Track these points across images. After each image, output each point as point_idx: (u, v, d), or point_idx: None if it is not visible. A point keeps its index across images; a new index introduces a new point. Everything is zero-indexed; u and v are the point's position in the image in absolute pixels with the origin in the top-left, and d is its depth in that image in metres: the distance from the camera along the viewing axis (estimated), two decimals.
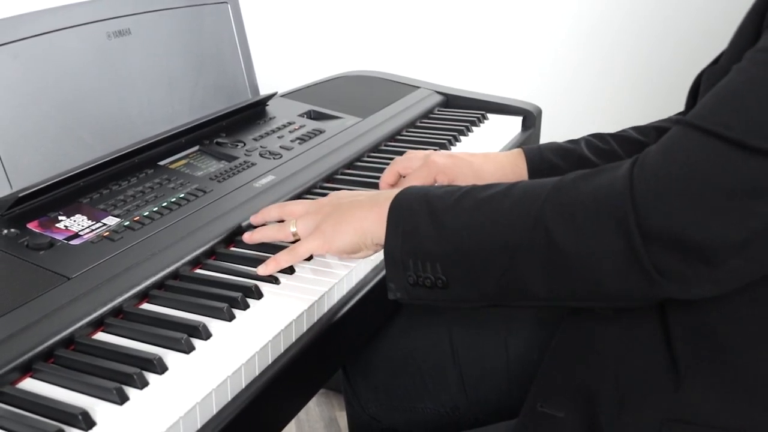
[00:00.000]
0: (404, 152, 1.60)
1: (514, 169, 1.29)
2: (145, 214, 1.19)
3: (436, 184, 1.27)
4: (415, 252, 0.95)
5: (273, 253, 1.12)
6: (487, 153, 1.34)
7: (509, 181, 1.27)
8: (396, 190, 1.03)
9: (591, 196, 0.84)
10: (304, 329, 1.02)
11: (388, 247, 0.97)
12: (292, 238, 1.12)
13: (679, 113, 1.28)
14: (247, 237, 1.16)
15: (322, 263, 1.14)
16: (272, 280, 1.08)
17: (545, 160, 1.29)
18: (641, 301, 0.89)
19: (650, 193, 0.80)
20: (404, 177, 1.33)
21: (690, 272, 0.80)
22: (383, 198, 1.04)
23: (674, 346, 0.90)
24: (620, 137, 1.31)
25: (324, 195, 1.36)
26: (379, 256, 1.04)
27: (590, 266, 0.85)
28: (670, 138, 0.83)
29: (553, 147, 1.32)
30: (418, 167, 1.30)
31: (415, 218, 0.96)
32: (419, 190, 1.00)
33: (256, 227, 1.19)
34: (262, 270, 1.09)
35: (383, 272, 1.12)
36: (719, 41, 0.92)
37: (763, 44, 0.80)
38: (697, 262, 0.80)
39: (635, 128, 1.32)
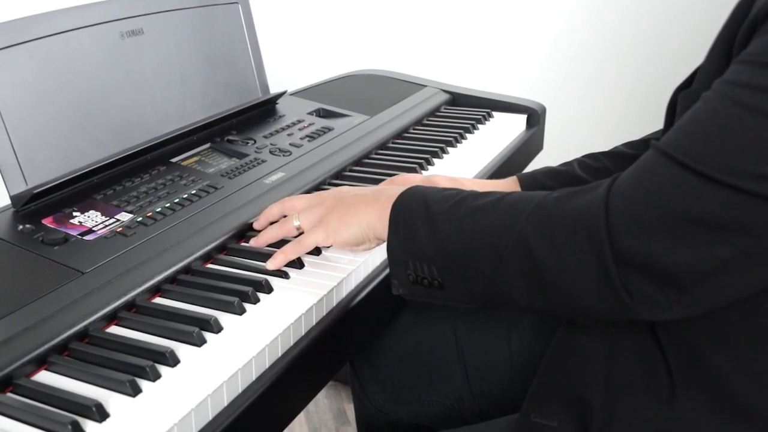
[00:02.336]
0: (411, 149, 1.61)
1: None
2: (158, 210, 1.19)
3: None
4: (413, 253, 0.96)
5: (281, 247, 1.12)
6: (483, 181, 1.37)
7: None
8: (399, 188, 1.04)
9: (570, 215, 0.86)
10: (314, 323, 1.02)
11: (390, 245, 0.99)
12: (296, 232, 1.13)
13: (660, 130, 1.28)
14: (254, 242, 1.16)
15: (331, 258, 1.14)
16: (282, 274, 1.08)
17: (538, 183, 1.30)
18: (614, 319, 0.91)
19: (623, 217, 0.81)
20: None
21: (659, 296, 0.82)
22: (386, 195, 1.05)
23: (667, 360, 0.91)
24: (612, 154, 1.32)
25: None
26: (385, 252, 1.04)
27: (566, 283, 0.86)
28: (644, 163, 0.84)
29: (546, 171, 1.33)
30: None
31: (414, 220, 0.97)
32: (420, 191, 1.01)
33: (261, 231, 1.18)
34: (270, 264, 1.09)
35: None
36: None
37: (730, 76, 0.81)
38: (666, 286, 0.81)
39: (627, 144, 1.33)
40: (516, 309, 0.97)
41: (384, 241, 1.03)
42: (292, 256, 1.10)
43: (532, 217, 0.88)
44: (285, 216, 1.17)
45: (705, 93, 0.83)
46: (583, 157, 1.33)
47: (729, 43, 0.87)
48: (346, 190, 1.14)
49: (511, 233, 0.88)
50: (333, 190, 1.17)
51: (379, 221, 1.05)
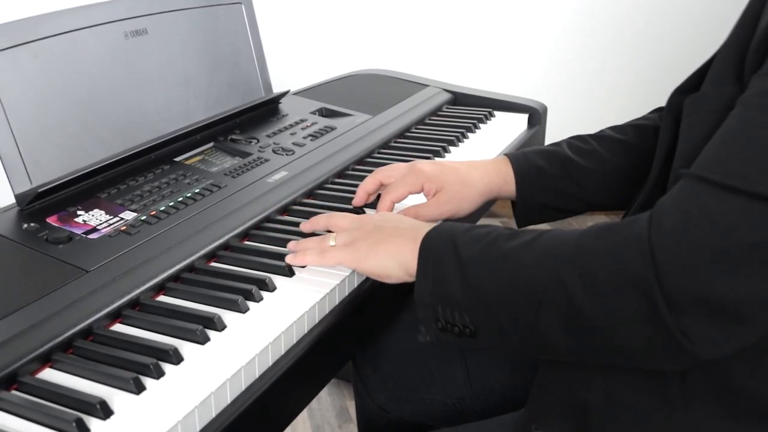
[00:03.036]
0: (413, 148, 1.61)
1: (499, 175, 1.28)
2: (162, 208, 1.19)
3: (424, 191, 1.26)
4: (443, 300, 0.92)
5: (285, 248, 1.12)
6: (472, 161, 1.32)
7: (496, 186, 1.28)
8: (432, 224, 1.01)
9: (610, 259, 0.80)
10: (316, 321, 1.02)
11: (418, 291, 0.95)
12: (329, 250, 1.09)
13: (643, 116, 1.28)
14: (292, 246, 1.13)
15: None
16: (286, 273, 1.08)
17: (531, 163, 1.28)
18: (670, 366, 0.85)
19: (672, 258, 0.75)
20: (385, 185, 1.29)
21: (719, 333, 0.76)
22: (423, 232, 0.99)
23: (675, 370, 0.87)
24: (599, 137, 1.31)
25: (335, 190, 1.36)
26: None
27: (613, 330, 0.81)
28: (684, 195, 0.78)
29: (537, 150, 1.31)
30: (404, 175, 1.26)
31: (444, 266, 0.93)
32: (448, 231, 0.97)
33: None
34: (290, 259, 1.08)
35: None
36: (720, 41, 0.91)
37: (757, 90, 0.78)
38: (726, 321, 0.75)
39: (612, 128, 1.32)
40: (558, 357, 0.91)
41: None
42: (310, 264, 1.09)
43: (569, 260, 0.83)
44: (329, 231, 1.14)
45: (732, 111, 0.79)
46: (570, 138, 1.32)
47: (741, 51, 0.84)
48: (389, 218, 1.10)
49: (548, 277, 0.83)
50: (378, 215, 1.13)
51: (413, 259, 0.98)
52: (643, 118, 1.30)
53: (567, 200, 1.28)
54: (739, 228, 0.73)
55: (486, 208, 1.39)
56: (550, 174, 1.26)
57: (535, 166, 1.27)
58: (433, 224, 1.02)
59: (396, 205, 1.27)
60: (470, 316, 0.91)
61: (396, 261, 1.02)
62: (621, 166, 1.26)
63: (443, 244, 0.95)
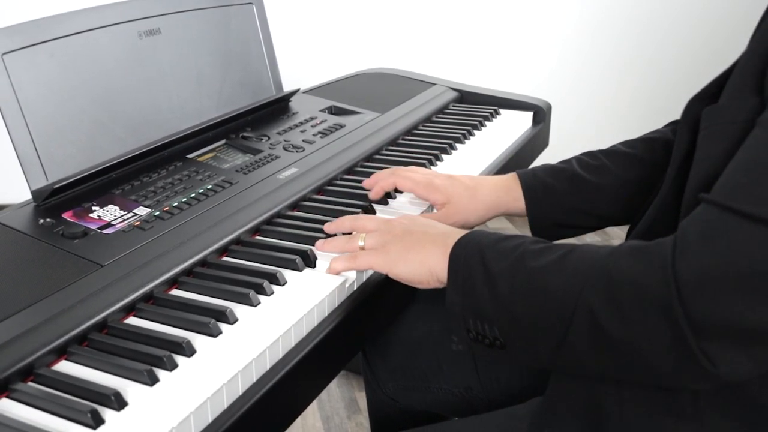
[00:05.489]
0: (420, 146, 1.60)
1: (508, 192, 1.27)
2: (175, 204, 1.19)
3: (431, 201, 1.27)
4: (473, 311, 0.91)
5: (298, 243, 1.12)
6: (483, 176, 1.33)
7: (504, 202, 1.27)
8: (461, 231, 0.99)
9: (635, 283, 0.79)
10: (326, 314, 1.02)
11: (450, 301, 0.94)
12: (358, 251, 1.08)
13: (653, 132, 1.26)
14: (319, 245, 1.12)
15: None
16: (296, 267, 1.08)
17: (539, 180, 1.27)
18: (695, 386, 0.84)
19: (696, 285, 0.74)
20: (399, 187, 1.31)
21: (743, 357, 0.76)
22: (452, 239, 0.98)
23: None
24: (609, 152, 1.29)
25: (345, 186, 1.36)
26: None
27: (638, 353, 0.80)
28: (707, 222, 0.77)
29: (546, 168, 1.30)
30: (418, 181, 1.28)
31: (473, 278, 0.91)
32: (476, 242, 0.95)
33: (329, 235, 1.16)
34: (331, 268, 1.06)
35: None
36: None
37: None
38: (750, 346, 0.75)
39: (623, 143, 1.30)
40: (586, 375, 0.90)
41: (446, 285, 0.97)
42: (344, 270, 1.07)
43: (597, 284, 0.81)
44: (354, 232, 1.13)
45: (753, 132, 0.78)
46: (581, 155, 1.31)
47: (762, 62, 0.82)
48: (418, 222, 1.08)
49: (576, 300, 0.82)
50: (405, 218, 1.11)
51: (442, 266, 0.97)
52: (654, 131, 1.29)
53: (580, 217, 1.26)
54: (762, 256, 0.72)
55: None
56: (559, 190, 1.25)
57: (543, 182, 1.26)
58: (463, 231, 1.00)
59: (393, 204, 1.30)
60: (500, 330, 0.89)
61: (427, 267, 1.00)
62: (631, 180, 1.24)
63: (471, 256, 0.93)
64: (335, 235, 1.15)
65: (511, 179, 1.29)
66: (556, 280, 0.85)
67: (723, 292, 0.73)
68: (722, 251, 0.74)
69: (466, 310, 0.92)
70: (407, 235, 1.04)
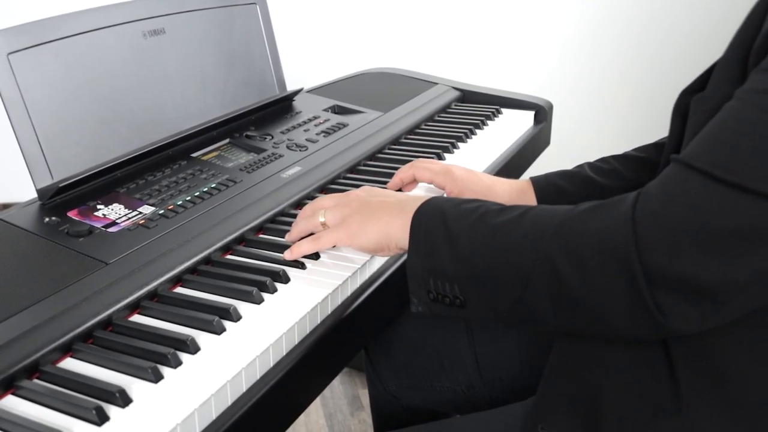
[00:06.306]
0: (423, 144, 1.60)
1: (521, 195, 1.28)
2: (179, 203, 1.19)
3: (446, 191, 1.29)
4: (434, 272, 0.92)
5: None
6: (499, 178, 1.34)
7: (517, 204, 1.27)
8: (421, 198, 1.01)
9: (595, 234, 0.81)
10: (329, 312, 1.02)
11: (410, 263, 0.95)
12: (321, 228, 1.11)
13: (666, 137, 1.27)
14: (288, 237, 1.14)
15: (345, 250, 1.13)
16: (299, 265, 1.08)
17: (551, 183, 1.28)
18: (645, 338, 0.87)
19: (652, 236, 0.77)
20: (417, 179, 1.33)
21: (693, 311, 0.78)
22: (410, 206, 0.99)
23: (675, 369, 0.87)
24: (620, 156, 1.30)
25: (348, 185, 1.35)
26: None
27: (595, 303, 0.82)
28: (670, 178, 0.80)
29: (559, 173, 1.30)
30: (436, 172, 1.30)
31: (434, 239, 0.93)
32: (438, 205, 0.97)
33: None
34: (288, 255, 1.08)
35: (403, 258, 1.12)
36: (724, 41, 0.90)
37: (754, 85, 0.78)
38: (700, 301, 0.77)
39: (636, 148, 1.31)
40: (542, 328, 0.92)
41: (406, 251, 0.99)
42: (308, 252, 1.08)
43: (556, 235, 0.84)
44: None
45: (728, 103, 0.79)
46: (594, 160, 1.31)
47: (745, 52, 0.83)
48: (374, 193, 1.11)
49: (536, 253, 0.84)
50: (361, 190, 1.13)
51: (401, 232, 1.00)
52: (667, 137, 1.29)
53: None
54: (719, 216, 0.75)
55: None
56: (571, 193, 1.25)
57: (556, 185, 1.27)
58: (420, 197, 1.02)
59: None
60: (460, 288, 0.91)
61: (386, 235, 1.03)
62: (642, 183, 1.23)
63: (433, 218, 0.95)
64: None
65: (525, 183, 1.30)
66: (516, 235, 0.87)
67: (678, 246, 0.76)
68: (680, 206, 0.77)
69: (426, 270, 0.93)
70: (365, 207, 1.07)
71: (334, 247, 1.11)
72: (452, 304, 0.93)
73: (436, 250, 0.92)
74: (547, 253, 0.83)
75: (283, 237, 1.15)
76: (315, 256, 1.10)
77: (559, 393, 0.97)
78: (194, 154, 1.38)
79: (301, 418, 2.25)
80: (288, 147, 1.47)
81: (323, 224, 1.10)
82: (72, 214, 1.13)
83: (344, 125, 1.63)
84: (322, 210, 1.10)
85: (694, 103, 0.90)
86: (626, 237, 0.78)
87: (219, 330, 0.92)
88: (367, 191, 1.12)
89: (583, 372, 0.95)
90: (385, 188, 1.28)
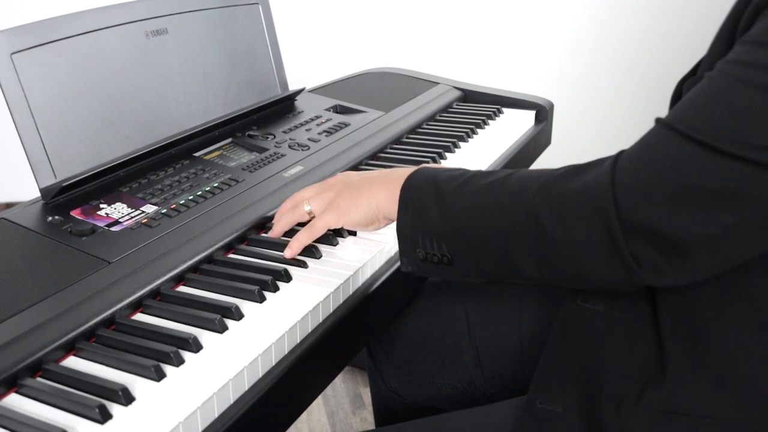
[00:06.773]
0: (424, 144, 1.60)
1: None
2: (181, 202, 1.19)
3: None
4: (423, 230, 0.96)
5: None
6: None
7: None
8: (408, 169, 1.04)
9: (577, 189, 0.85)
10: (330, 310, 1.02)
11: (400, 223, 0.99)
12: (307, 217, 1.12)
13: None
14: (271, 233, 1.16)
15: (348, 249, 1.13)
16: (301, 264, 1.08)
17: None
18: (622, 287, 0.91)
19: (629, 189, 0.82)
20: None
21: (665, 263, 0.82)
22: (395, 176, 1.05)
23: (662, 339, 0.91)
24: None
25: None
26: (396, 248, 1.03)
27: (575, 254, 0.86)
28: (650, 137, 0.84)
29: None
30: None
31: (424, 199, 0.97)
32: (429, 171, 1.01)
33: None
34: (288, 253, 1.09)
35: None
36: None
37: (733, 56, 0.81)
38: (670, 253, 0.81)
39: None
40: (525, 281, 0.96)
41: (393, 221, 1.03)
42: (307, 241, 1.10)
43: (540, 192, 0.88)
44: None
45: (708, 72, 0.83)
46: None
47: (732, 30, 0.87)
48: (353, 174, 1.14)
49: (520, 209, 0.89)
50: (339, 175, 1.16)
51: (389, 201, 1.04)
52: None
53: None
54: (690, 172, 0.79)
55: None
56: None
57: None
58: (402, 169, 1.07)
59: None
60: (448, 245, 0.95)
61: (375, 208, 1.06)
62: None
63: (424, 182, 0.99)
64: None
65: None
66: (501, 192, 0.92)
67: (653, 199, 0.80)
68: (658, 162, 0.81)
69: (415, 229, 0.97)
70: (349, 186, 1.10)
71: (334, 246, 1.11)
72: (440, 262, 0.96)
73: (425, 209, 0.96)
74: (531, 207, 0.88)
75: (287, 236, 1.15)
76: (316, 254, 1.10)
77: (557, 370, 1.00)
78: (197, 154, 1.38)
79: (303, 416, 2.25)
80: (290, 146, 1.47)
81: (309, 213, 1.12)
82: (75, 213, 1.13)
83: (346, 125, 1.63)
84: (305, 200, 1.12)
85: (686, 88, 0.93)
86: (605, 189, 0.83)
87: (221, 329, 0.92)
88: (345, 175, 1.15)
89: (580, 349, 0.98)
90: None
